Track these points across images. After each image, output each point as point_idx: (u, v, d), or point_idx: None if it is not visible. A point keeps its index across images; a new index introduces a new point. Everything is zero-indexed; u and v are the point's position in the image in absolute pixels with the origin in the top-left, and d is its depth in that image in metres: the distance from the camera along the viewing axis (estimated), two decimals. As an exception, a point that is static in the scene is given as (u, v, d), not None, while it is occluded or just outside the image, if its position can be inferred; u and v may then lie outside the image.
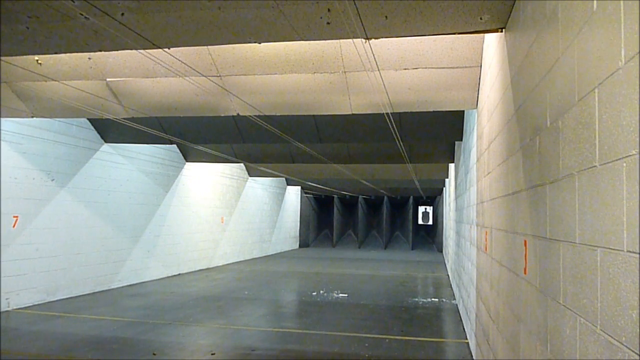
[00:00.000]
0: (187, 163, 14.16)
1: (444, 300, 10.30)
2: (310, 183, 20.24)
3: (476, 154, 5.63)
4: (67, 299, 9.44)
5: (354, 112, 6.30)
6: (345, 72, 5.52)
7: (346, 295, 10.67)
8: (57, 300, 9.22)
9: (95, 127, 10.47)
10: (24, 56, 5.53)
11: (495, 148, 3.98)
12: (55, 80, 6.13)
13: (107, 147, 10.78)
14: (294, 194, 25.30)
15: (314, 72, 5.57)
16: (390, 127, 7.74)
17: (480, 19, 3.51)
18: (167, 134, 9.84)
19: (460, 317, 8.28)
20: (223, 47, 5.38)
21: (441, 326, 8.11)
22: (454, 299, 10.24)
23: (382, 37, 4.01)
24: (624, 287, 1.39)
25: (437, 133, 9.40)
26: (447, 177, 15.04)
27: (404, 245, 26.90)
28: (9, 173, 8.37)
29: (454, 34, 3.83)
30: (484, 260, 4.83)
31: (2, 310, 8.13)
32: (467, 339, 6.86)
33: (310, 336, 7.02)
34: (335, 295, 10.65)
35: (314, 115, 9.34)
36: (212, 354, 6.04)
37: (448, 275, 14.38)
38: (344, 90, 5.82)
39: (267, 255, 20.85)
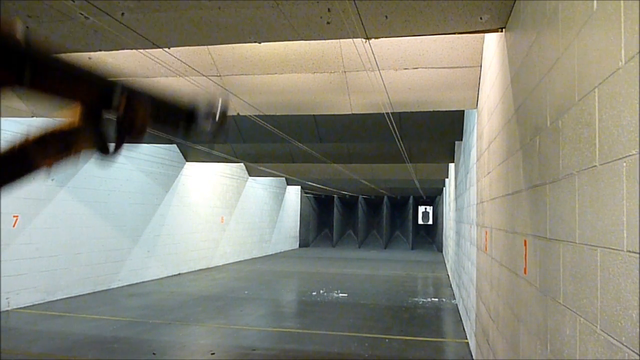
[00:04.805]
0: (187, 163, 14.16)
1: (443, 300, 10.30)
2: (310, 183, 20.24)
3: (476, 153, 5.63)
4: (67, 298, 9.44)
5: (354, 112, 6.30)
6: (345, 72, 5.51)
7: (346, 295, 10.67)
8: (57, 300, 9.22)
9: (95, 127, 10.45)
10: (24, 56, 5.52)
11: (495, 148, 3.98)
12: (55, 80, 6.12)
13: (107, 147, 10.77)
14: (294, 193, 25.29)
15: (314, 72, 5.57)
16: (390, 127, 7.74)
17: (480, 19, 3.51)
18: (167, 134, 9.83)
19: (460, 317, 8.28)
20: (223, 47, 5.38)
21: (441, 326, 8.11)
22: (454, 298, 10.25)
23: (382, 37, 4.01)
24: (624, 287, 1.39)
25: (437, 133, 9.40)
26: (447, 177, 15.04)
27: (404, 245, 26.90)
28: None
29: (454, 34, 3.83)
30: (484, 260, 4.83)
31: (2, 310, 8.13)
32: (467, 338, 6.86)
33: (310, 336, 7.02)
34: (335, 294, 10.66)
35: (314, 115, 9.34)
36: (212, 354, 6.04)
37: (448, 275, 14.39)
38: (344, 90, 5.82)
39: (267, 255, 20.85)
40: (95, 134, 0.82)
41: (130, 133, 0.82)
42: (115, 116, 0.80)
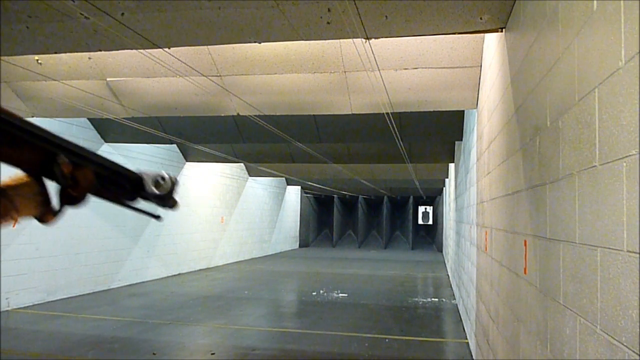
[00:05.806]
0: (187, 163, 14.16)
1: (443, 300, 10.30)
2: (310, 183, 20.24)
3: (476, 154, 5.63)
4: (67, 298, 9.44)
5: (354, 112, 6.30)
6: (345, 72, 5.52)
7: (346, 295, 10.67)
8: (57, 300, 9.22)
9: (95, 127, 10.47)
10: (24, 56, 5.53)
11: (495, 148, 3.98)
12: (55, 80, 6.13)
13: (107, 147, 10.78)
14: (294, 194, 25.28)
15: (314, 72, 5.57)
16: (390, 127, 7.73)
17: (480, 19, 3.51)
18: (167, 134, 9.84)
19: (460, 317, 8.28)
20: (223, 47, 5.38)
21: (441, 326, 8.11)
22: (454, 298, 10.24)
23: (382, 37, 4.01)
24: (624, 287, 1.39)
25: (437, 133, 9.40)
26: (447, 177, 15.04)
27: (404, 245, 26.89)
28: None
29: (454, 34, 3.83)
30: (484, 260, 4.83)
31: (2, 310, 8.13)
32: (467, 338, 6.86)
33: (310, 336, 7.02)
34: (335, 295, 10.65)
35: (314, 115, 9.33)
36: (212, 354, 6.04)
37: (448, 275, 14.39)
38: (344, 90, 5.82)
39: (267, 255, 20.85)
40: (36, 200, 0.82)
41: (71, 201, 0.82)
42: (57, 183, 0.81)
